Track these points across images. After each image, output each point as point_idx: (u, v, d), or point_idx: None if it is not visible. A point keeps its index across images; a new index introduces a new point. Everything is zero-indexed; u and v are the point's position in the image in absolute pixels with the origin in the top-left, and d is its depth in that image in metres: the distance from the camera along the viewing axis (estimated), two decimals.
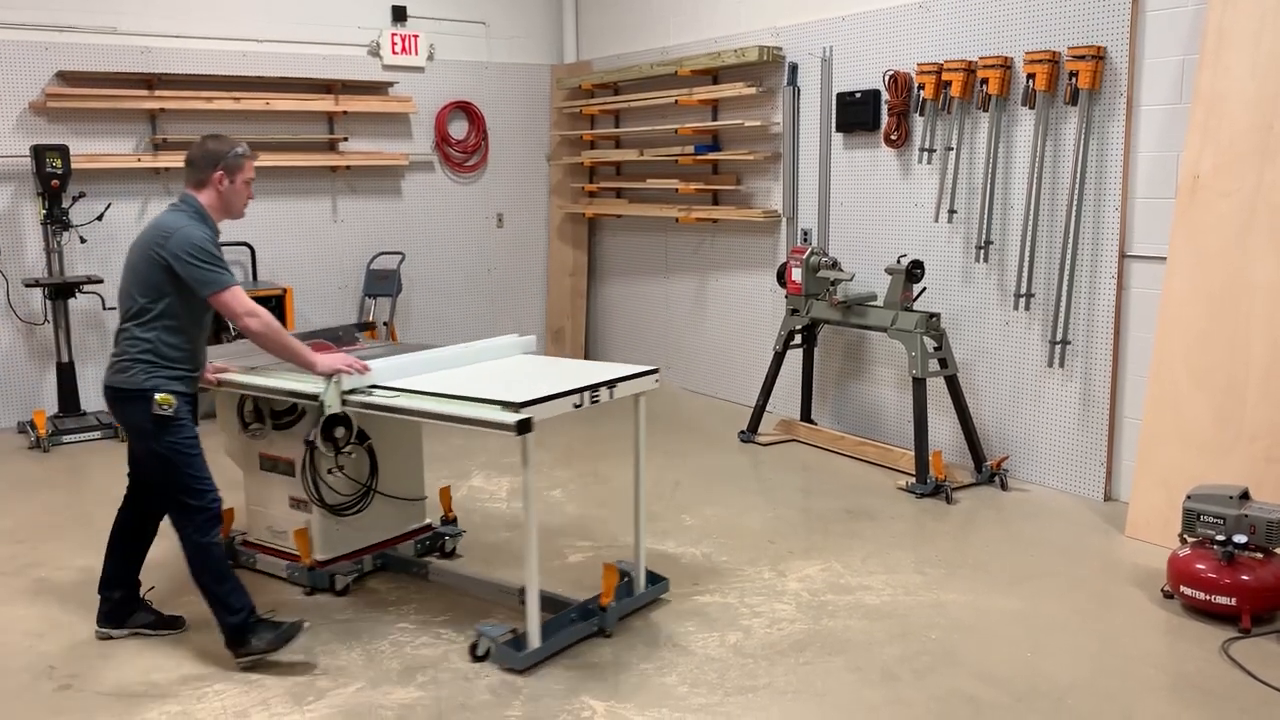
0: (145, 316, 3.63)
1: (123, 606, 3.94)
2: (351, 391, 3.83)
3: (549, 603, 3.84)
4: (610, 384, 3.86)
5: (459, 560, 4.66)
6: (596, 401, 3.75)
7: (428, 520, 4.73)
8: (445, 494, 4.86)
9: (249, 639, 3.65)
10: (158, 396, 3.60)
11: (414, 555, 4.59)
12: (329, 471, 4.18)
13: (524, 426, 3.41)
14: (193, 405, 3.79)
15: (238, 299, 3.64)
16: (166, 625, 3.96)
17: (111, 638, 3.89)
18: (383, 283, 8.12)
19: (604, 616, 3.87)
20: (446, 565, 4.55)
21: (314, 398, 3.85)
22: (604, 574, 3.91)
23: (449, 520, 4.81)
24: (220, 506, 3.73)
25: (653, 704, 3.40)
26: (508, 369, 4.26)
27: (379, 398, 3.81)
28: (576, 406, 3.70)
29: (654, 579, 4.19)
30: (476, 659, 3.69)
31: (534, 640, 3.63)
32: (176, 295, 3.62)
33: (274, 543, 4.49)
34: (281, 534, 4.43)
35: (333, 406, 3.80)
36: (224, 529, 4.28)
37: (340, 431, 3.97)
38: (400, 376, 3.96)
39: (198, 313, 3.72)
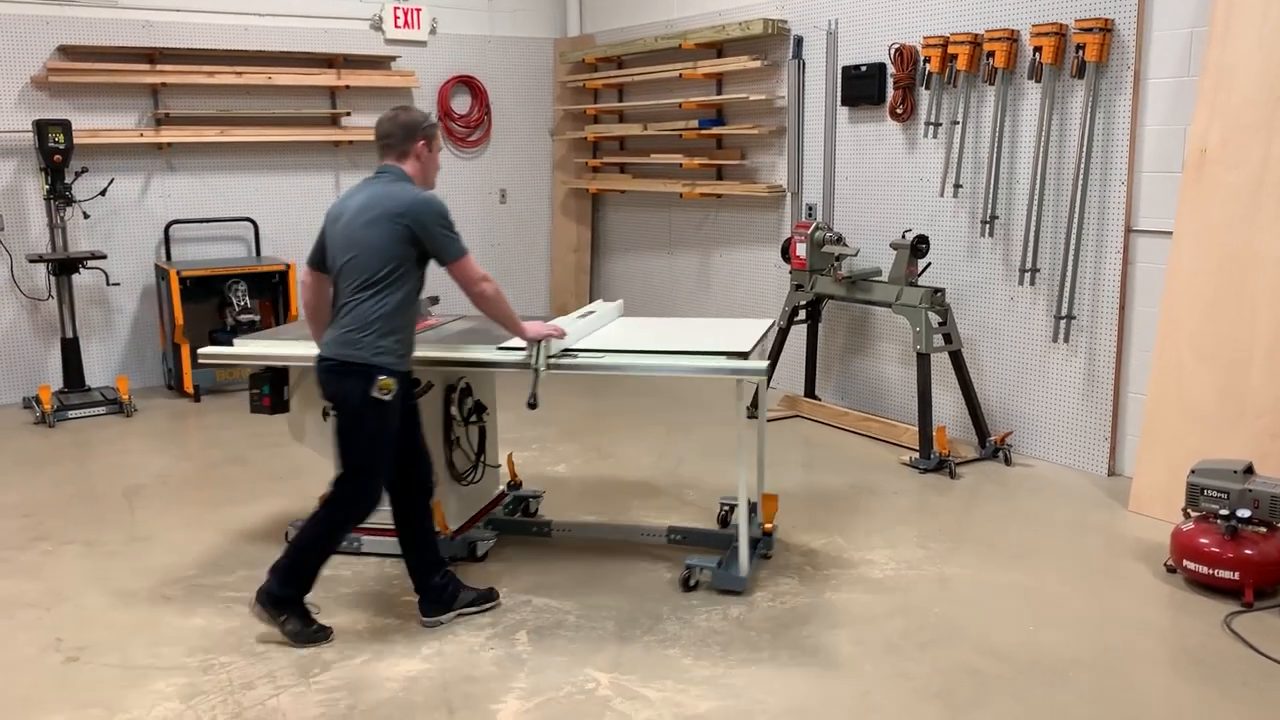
0: (380, 287, 3.56)
1: (445, 590, 3.83)
2: (556, 355, 3.91)
3: (693, 535, 4.45)
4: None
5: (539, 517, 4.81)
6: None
7: (501, 487, 4.90)
8: (510, 461, 4.99)
9: (283, 614, 3.63)
10: (381, 380, 3.54)
11: (504, 518, 4.73)
12: (456, 441, 4.35)
13: (757, 371, 3.92)
14: (407, 383, 3.76)
15: (474, 265, 3.67)
16: (485, 599, 3.91)
17: (440, 624, 3.79)
18: None
19: (768, 541, 4.31)
20: (569, 522, 4.64)
21: (524, 365, 3.91)
22: (764, 502, 4.31)
23: (515, 485, 4.96)
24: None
25: (656, 676, 3.41)
26: (643, 326, 4.54)
27: (591, 359, 3.96)
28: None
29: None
30: (688, 589, 4.01)
31: (744, 566, 4.02)
32: (412, 265, 3.61)
33: (384, 523, 4.14)
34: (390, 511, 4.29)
35: (544, 370, 3.86)
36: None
37: (470, 402, 4.13)
38: (576, 341, 4.07)
39: (419, 283, 3.71)
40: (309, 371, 4.01)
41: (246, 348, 4.33)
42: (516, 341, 3.93)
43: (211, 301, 7.29)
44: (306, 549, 3.68)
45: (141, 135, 7.30)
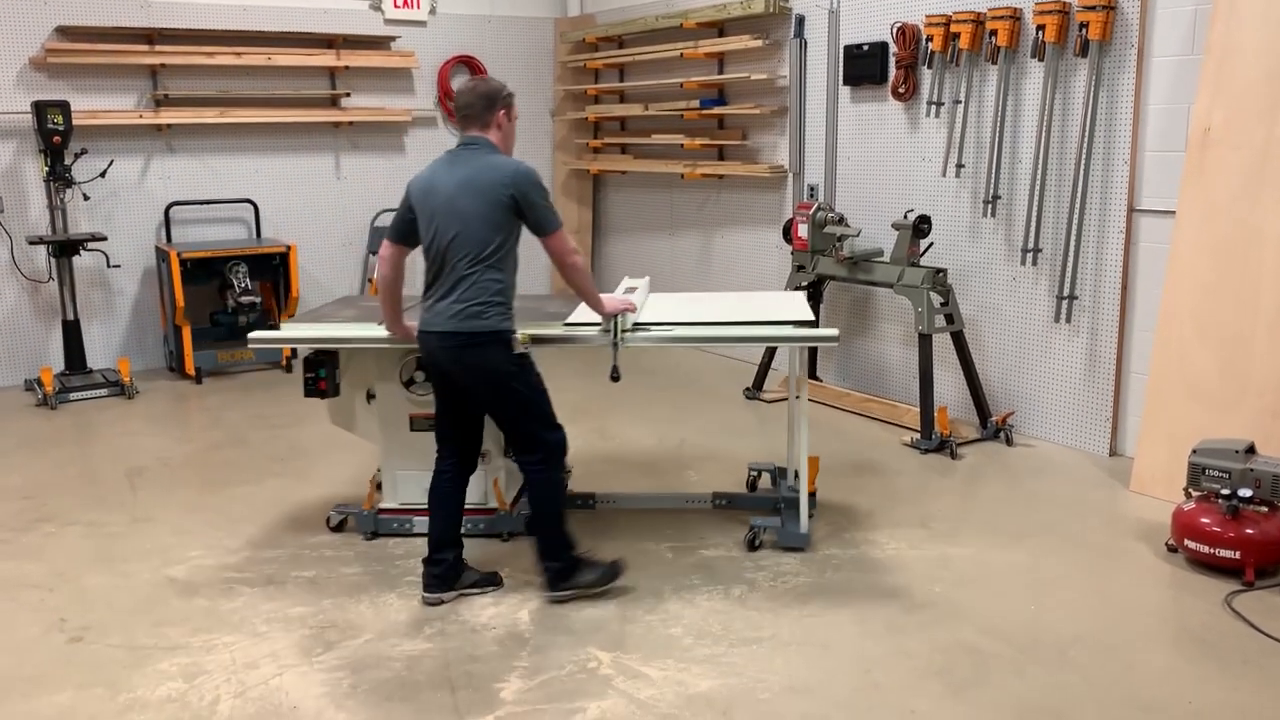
0: (494, 258, 3.61)
1: (454, 568, 3.86)
2: (631, 328, 4.01)
3: (738, 499, 4.69)
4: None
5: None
6: None
7: None
8: None
9: (576, 574, 3.78)
10: (518, 335, 3.68)
11: None
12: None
13: (829, 338, 4.21)
14: None
15: (567, 238, 3.73)
16: (489, 582, 3.93)
17: (443, 602, 3.81)
18: None
19: (812, 500, 4.43)
20: (612, 494, 4.72)
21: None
22: (809, 464, 4.35)
23: None
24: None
25: (658, 655, 3.43)
26: (681, 302, 4.62)
27: (663, 331, 4.08)
28: None
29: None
30: (752, 549, 4.19)
31: (804, 523, 4.26)
32: (516, 235, 3.68)
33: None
34: None
35: (622, 344, 3.97)
36: (366, 502, 4.41)
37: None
38: (641, 315, 4.16)
39: (516, 252, 3.76)
40: (356, 354, 4.08)
41: (303, 330, 4.27)
42: (580, 316, 3.96)
43: (212, 283, 7.29)
44: (550, 517, 3.80)
45: (141, 116, 7.27)
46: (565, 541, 3.82)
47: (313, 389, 4.25)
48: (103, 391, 6.81)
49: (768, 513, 4.44)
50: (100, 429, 6.17)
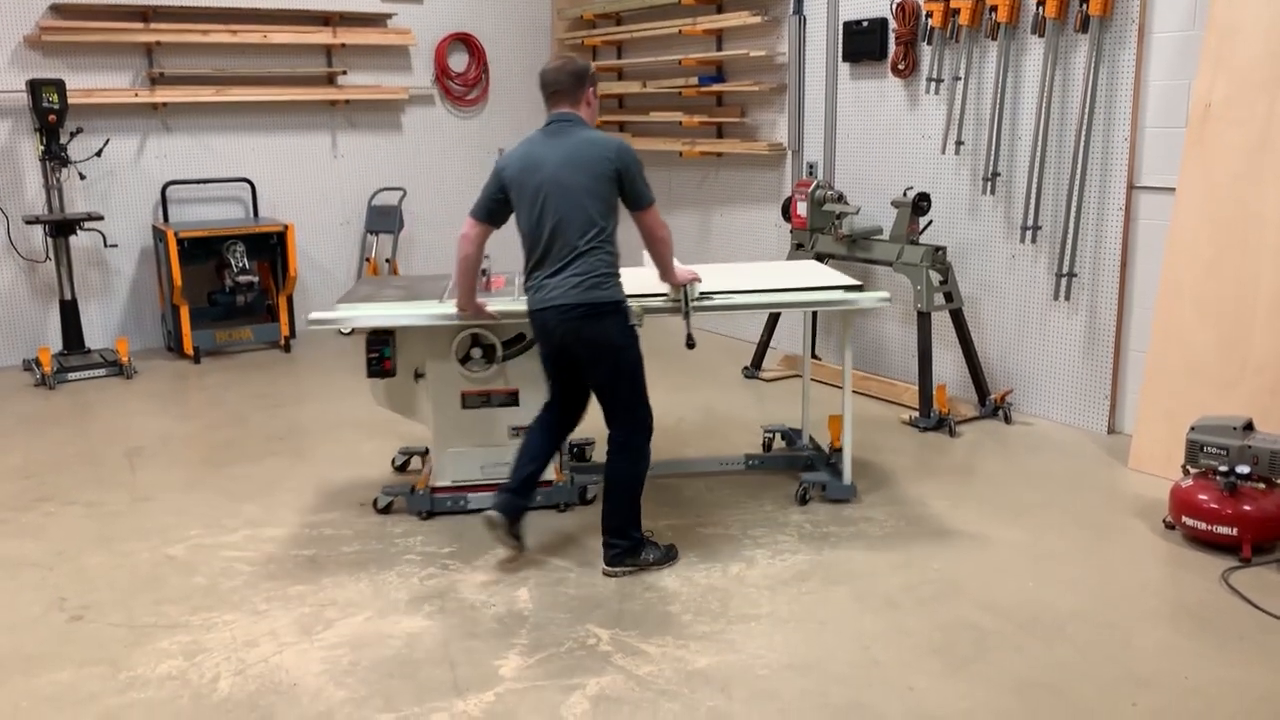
0: (606, 233, 3.70)
1: (524, 497, 4.00)
2: (700, 296, 4.13)
3: (768, 460, 4.94)
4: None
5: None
6: None
7: None
8: None
9: (640, 553, 3.84)
10: (634, 308, 3.82)
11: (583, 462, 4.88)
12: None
13: (881, 299, 4.36)
14: None
15: (658, 213, 3.83)
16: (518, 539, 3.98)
17: (521, 544, 3.99)
18: (384, 219, 8.07)
19: (837, 456, 4.61)
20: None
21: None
22: (830, 423, 4.73)
23: None
24: None
25: (656, 632, 3.44)
26: (726, 271, 4.74)
27: (725, 299, 4.22)
28: None
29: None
30: (802, 503, 4.44)
31: (848, 476, 4.51)
32: (617, 209, 3.75)
33: (489, 478, 4.38)
34: (499, 466, 4.30)
35: (693, 312, 4.08)
36: (421, 482, 4.44)
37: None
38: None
39: None
40: (408, 334, 4.17)
41: (369, 310, 4.21)
42: (642, 288, 4.01)
43: (210, 263, 7.27)
44: (629, 492, 3.85)
45: (136, 95, 7.24)
46: (635, 519, 3.86)
47: (377, 369, 4.25)
48: (101, 371, 6.81)
49: (779, 474, 4.70)
50: (99, 409, 6.17)
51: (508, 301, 4.13)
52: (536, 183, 3.68)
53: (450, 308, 4.10)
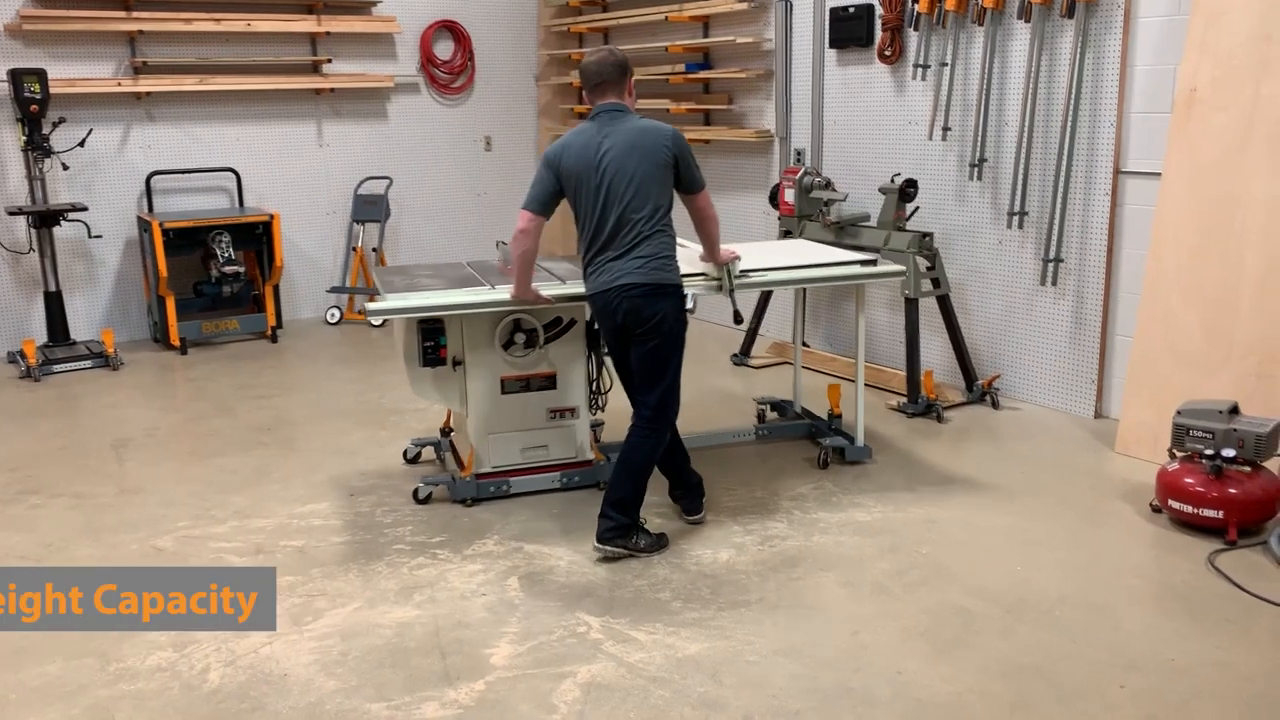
0: (666, 217, 3.87)
1: (698, 485, 4.22)
2: (740, 274, 4.35)
3: (776, 429, 5.24)
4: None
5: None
6: None
7: None
8: None
9: (632, 536, 3.89)
10: (691, 292, 4.03)
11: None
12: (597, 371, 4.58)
13: (897, 272, 4.92)
14: None
15: (709, 195, 4.03)
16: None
17: (701, 516, 4.19)
18: (371, 208, 8.03)
19: (837, 422, 5.02)
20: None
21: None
22: (829, 391, 5.05)
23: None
24: None
25: (647, 619, 3.44)
26: (751, 250, 4.78)
27: (761, 276, 4.50)
28: None
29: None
30: (823, 467, 4.74)
31: (861, 438, 4.84)
32: (672, 194, 3.91)
33: (530, 461, 4.50)
34: (537, 449, 4.48)
35: (730, 288, 4.31)
36: (466, 469, 4.44)
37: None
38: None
39: None
40: (451, 323, 4.21)
41: (421, 299, 4.16)
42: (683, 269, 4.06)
43: (195, 253, 7.23)
44: (640, 472, 3.93)
45: (119, 84, 7.18)
46: (638, 499, 3.92)
47: (433, 357, 4.27)
48: (87, 363, 6.77)
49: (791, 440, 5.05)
50: (85, 401, 6.14)
51: (555, 286, 4.25)
52: (599, 171, 3.79)
53: (501, 294, 4.17)
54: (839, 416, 5.03)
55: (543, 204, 3.89)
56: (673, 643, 3.30)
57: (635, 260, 3.79)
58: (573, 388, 4.48)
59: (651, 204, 3.79)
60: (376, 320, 4.12)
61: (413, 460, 4.93)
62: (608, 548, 3.86)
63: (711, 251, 4.23)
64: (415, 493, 4.44)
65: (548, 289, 4.21)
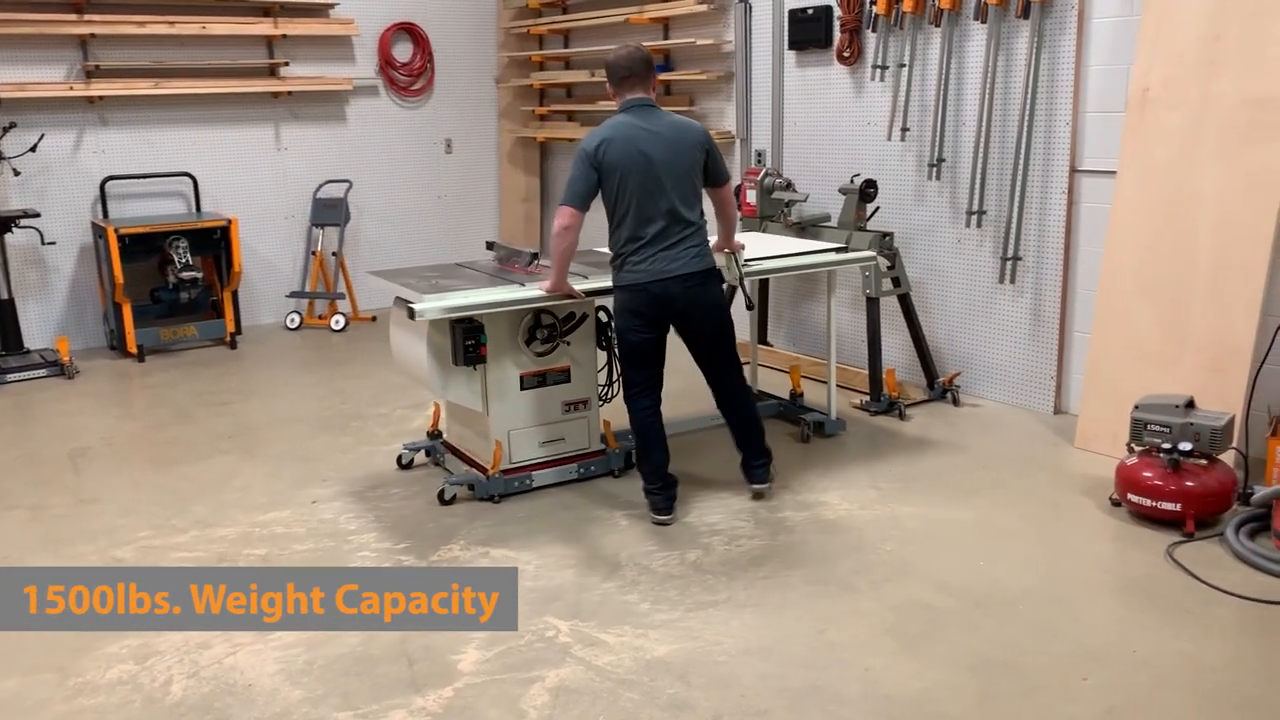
0: (701, 207, 4.10)
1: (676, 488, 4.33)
2: (745, 263, 4.53)
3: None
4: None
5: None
6: None
7: None
8: None
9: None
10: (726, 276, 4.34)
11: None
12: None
13: (870, 258, 5.20)
14: None
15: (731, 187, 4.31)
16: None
17: (675, 520, 4.23)
18: (330, 212, 7.96)
19: (801, 403, 5.39)
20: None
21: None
22: (791, 373, 5.46)
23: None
24: None
25: (615, 621, 3.44)
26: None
27: (760, 265, 4.76)
28: None
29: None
30: (805, 441, 5.07)
31: (834, 412, 5.23)
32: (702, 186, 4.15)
33: (549, 455, 4.61)
34: (555, 442, 4.61)
35: (738, 277, 4.47)
36: (493, 466, 4.45)
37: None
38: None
39: None
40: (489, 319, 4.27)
41: (458, 298, 4.17)
42: None
43: (152, 259, 7.13)
44: (757, 421, 4.41)
45: (71, 88, 7.07)
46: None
47: (474, 355, 4.29)
48: (41, 372, 6.65)
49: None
50: (40, 410, 6.03)
51: (578, 282, 4.35)
52: (646, 164, 3.94)
53: (532, 291, 4.28)
54: (801, 395, 5.37)
55: (585, 199, 3.99)
56: (641, 644, 3.30)
57: (689, 249, 4.02)
58: (584, 380, 4.64)
59: (694, 196, 4.05)
60: (416, 320, 4.11)
61: (406, 466, 4.88)
62: (770, 483, 4.40)
63: (729, 240, 4.42)
64: (441, 494, 4.43)
65: (577, 284, 4.32)
